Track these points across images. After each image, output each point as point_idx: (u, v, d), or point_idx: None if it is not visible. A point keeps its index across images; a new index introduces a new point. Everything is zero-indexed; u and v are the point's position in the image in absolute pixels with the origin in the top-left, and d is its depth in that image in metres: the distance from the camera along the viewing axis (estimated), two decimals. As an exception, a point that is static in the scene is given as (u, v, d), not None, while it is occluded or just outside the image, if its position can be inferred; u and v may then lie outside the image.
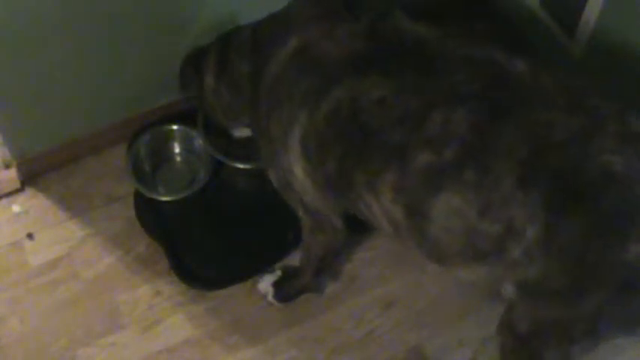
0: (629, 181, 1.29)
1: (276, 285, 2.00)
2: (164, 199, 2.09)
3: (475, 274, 1.49)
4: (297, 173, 1.63)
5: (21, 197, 2.17)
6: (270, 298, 2.00)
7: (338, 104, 1.48)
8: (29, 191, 2.17)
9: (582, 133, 1.32)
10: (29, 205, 2.16)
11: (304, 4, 1.63)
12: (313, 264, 1.93)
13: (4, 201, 2.16)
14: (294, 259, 2.04)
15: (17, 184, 2.16)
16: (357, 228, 1.85)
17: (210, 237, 2.10)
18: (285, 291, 2.00)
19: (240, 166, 2.08)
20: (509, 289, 1.44)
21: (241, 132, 1.99)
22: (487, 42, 1.49)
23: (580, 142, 1.32)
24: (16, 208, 2.15)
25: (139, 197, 2.11)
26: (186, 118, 2.17)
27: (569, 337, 1.43)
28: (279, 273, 2.02)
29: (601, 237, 1.30)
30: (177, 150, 2.21)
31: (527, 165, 1.33)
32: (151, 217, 2.09)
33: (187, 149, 2.19)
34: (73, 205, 2.15)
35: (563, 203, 1.31)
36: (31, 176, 2.18)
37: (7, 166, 2.14)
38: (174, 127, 2.18)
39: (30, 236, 2.11)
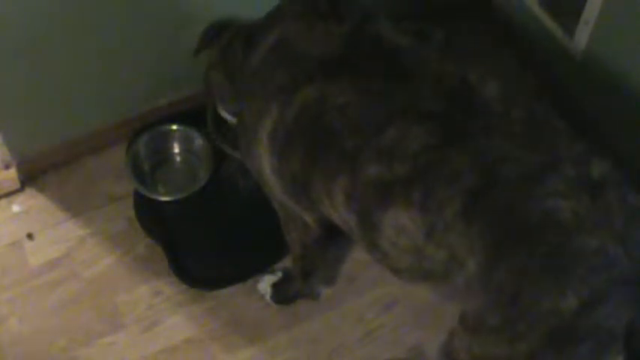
0: (572, 230, 1.24)
1: (275, 286, 2.00)
2: (164, 199, 2.09)
3: (426, 292, 1.48)
4: (265, 167, 1.63)
5: (21, 197, 2.16)
6: (267, 298, 2.00)
7: (306, 103, 1.48)
8: (29, 191, 2.17)
9: (533, 173, 1.28)
10: (29, 205, 2.15)
11: (292, 1, 1.63)
12: (297, 263, 1.92)
13: (4, 201, 2.15)
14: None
15: (17, 184, 2.16)
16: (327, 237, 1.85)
17: (210, 237, 2.10)
18: (282, 293, 2.00)
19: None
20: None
21: (232, 118, 1.98)
22: (469, 58, 1.46)
23: (529, 181, 1.28)
24: (15, 208, 2.15)
25: (138, 197, 2.11)
26: (186, 118, 2.17)
27: None
28: (279, 274, 2.02)
29: (535, 283, 1.26)
30: (177, 150, 2.21)
31: (472, 196, 1.30)
32: (151, 217, 2.09)
33: (187, 149, 2.19)
34: (73, 205, 2.15)
35: (503, 242, 1.28)
36: (31, 176, 2.18)
37: (7, 166, 2.14)
38: (174, 127, 2.18)
39: (30, 236, 2.11)
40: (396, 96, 1.41)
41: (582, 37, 2.04)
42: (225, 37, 1.82)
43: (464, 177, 1.31)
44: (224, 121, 2.01)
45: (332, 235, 1.81)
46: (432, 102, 1.38)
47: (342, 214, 1.50)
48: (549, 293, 1.25)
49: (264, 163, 1.62)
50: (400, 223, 1.37)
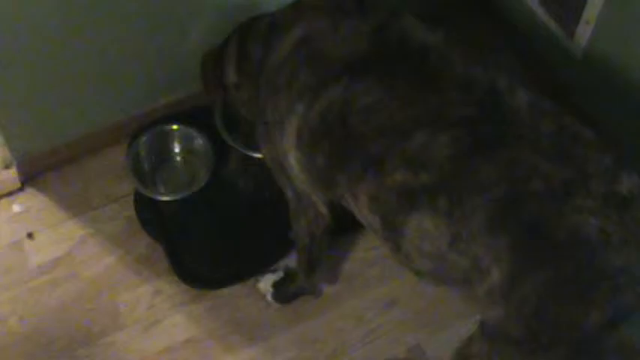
0: (600, 247, 1.24)
1: (276, 285, 2.00)
2: (164, 199, 2.09)
3: (444, 291, 1.48)
4: (291, 161, 1.62)
5: (21, 197, 2.16)
6: (268, 298, 2.00)
7: (331, 102, 1.47)
8: (29, 191, 2.17)
9: (562, 188, 1.27)
10: (29, 205, 2.15)
11: None
12: (303, 258, 1.91)
13: (4, 201, 2.15)
14: (294, 259, 2.04)
15: (17, 184, 2.16)
16: (357, 227, 1.85)
17: (210, 237, 2.10)
18: (285, 292, 2.00)
19: (254, 154, 2.04)
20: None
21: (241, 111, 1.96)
22: (496, 63, 1.44)
23: (558, 196, 1.27)
24: (16, 208, 2.15)
25: (138, 197, 2.11)
26: (186, 118, 2.17)
27: None
28: (280, 273, 2.02)
29: (561, 299, 1.26)
30: (177, 150, 2.21)
31: (499, 208, 1.29)
32: (151, 217, 2.09)
33: (187, 149, 2.19)
34: (73, 205, 2.15)
35: (529, 256, 1.28)
36: (31, 176, 2.18)
37: (7, 166, 2.14)
38: (174, 127, 2.18)
39: (30, 236, 2.11)
40: (424, 99, 1.39)
41: (582, 37, 2.04)
42: (232, 51, 1.79)
43: (492, 188, 1.30)
44: (232, 120, 2.00)
45: (338, 230, 1.82)
46: (462, 108, 1.36)
47: (365, 215, 1.49)
48: (574, 309, 1.25)
49: (291, 158, 1.61)
50: (424, 229, 1.37)
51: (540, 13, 2.18)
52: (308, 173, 1.60)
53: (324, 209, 1.72)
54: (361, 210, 1.49)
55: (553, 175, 1.28)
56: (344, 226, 1.85)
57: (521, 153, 1.31)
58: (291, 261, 2.05)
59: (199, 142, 2.14)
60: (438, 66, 1.42)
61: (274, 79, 1.60)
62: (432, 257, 1.39)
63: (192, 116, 2.16)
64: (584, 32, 2.03)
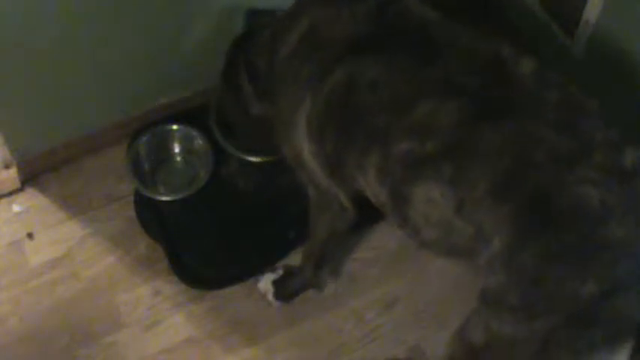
0: (600, 219, 1.25)
1: (277, 284, 2.00)
2: (164, 199, 2.09)
3: (455, 266, 1.49)
4: (306, 155, 1.63)
5: (21, 197, 2.16)
6: (269, 297, 2.00)
7: (335, 85, 1.48)
8: (29, 191, 2.17)
9: (566, 158, 1.28)
10: (29, 205, 2.15)
11: None
12: (316, 252, 1.91)
13: (4, 201, 2.15)
14: (295, 259, 2.04)
15: (17, 184, 2.16)
16: (357, 228, 1.85)
17: (210, 237, 2.10)
18: (286, 289, 2.00)
19: (252, 159, 2.06)
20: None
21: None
22: (496, 35, 1.44)
23: (561, 166, 1.28)
24: (16, 208, 2.15)
25: (139, 197, 2.11)
26: (186, 118, 2.17)
27: (519, 358, 1.38)
28: (280, 272, 2.02)
29: (559, 267, 1.27)
30: (177, 150, 2.21)
31: (504, 176, 1.30)
32: (151, 217, 2.09)
33: (187, 149, 2.19)
34: (73, 205, 2.15)
35: (530, 225, 1.29)
36: (31, 176, 2.17)
37: (7, 166, 2.14)
38: (174, 127, 2.17)
39: (30, 236, 2.11)
40: (427, 70, 1.40)
41: (582, 37, 2.04)
42: (244, 81, 1.78)
43: (496, 156, 1.31)
44: (229, 125, 2.01)
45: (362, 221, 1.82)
46: (465, 77, 1.37)
47: (374, 189, 1.50)
48: (572, 279, 1.26)
49: (305, 150, 1.62)
50: (431, 196, 1.38)
51: (540, 13, 2.18)
52: (320, 163, 1.61)
53: (347, 203, 1.72)
54: (370, 184, 1.50)
55: (557, 145, 1.29)
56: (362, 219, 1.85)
57: (525, 122, 1.32)
58: (290, 260, 2.05)
59: (199, 142, 2.14)
60: (439, 39, 1.43)
61: (284, 75, 1.62)
62: (439, 225, 1.41)
63: (192, 116, 2.16)
64: (584, 32, 2.03)
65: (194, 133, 2.15)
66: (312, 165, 1.64)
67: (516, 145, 1.31)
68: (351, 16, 1.51)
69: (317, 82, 1.51)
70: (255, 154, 2.06)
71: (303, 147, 1.62)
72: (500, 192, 1.31)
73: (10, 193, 2.16)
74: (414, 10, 1.49)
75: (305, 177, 1.73)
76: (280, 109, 1.66)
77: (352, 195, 1.70)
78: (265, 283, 2.01)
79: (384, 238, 2.09)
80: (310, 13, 1.58)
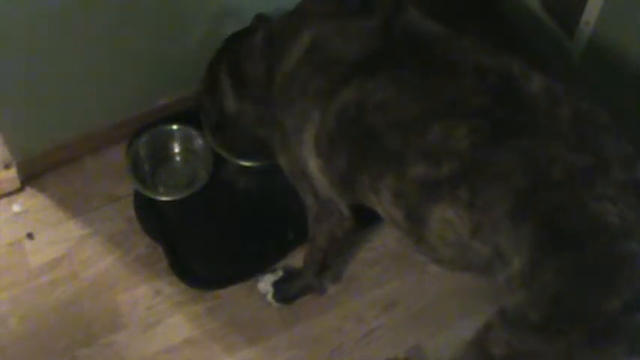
0: (620, 234, 1.25)
1: (277, 285, 2.00)
2: (164, 199, 2.09)
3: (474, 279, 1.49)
4: (311, 168, 1.63)
5: (21, 197, 2.16)
6: (269, 298, 2.00)
7: (346, 104, 1.47)
8: (29, 191, 2.17)
9: (583, 176, 1.28)
10: (29, 205, 2.15)
11: (317, 0, 1.62)
12: (317, 259, 1.91)
13: (4, 201, 2.15)
14: (295, 259, 2.04)
15: (17, 184, 2.16)
16: (356, 227, 1.85)
17: (210, 237, 2.10)
18: (286, 291, 2.00)
19: (246, 163, 2.07)
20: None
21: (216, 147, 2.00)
22: (503, 51, 1.43)
23: (579, 184, 1.28)
24: (16, 208, 2.14)
25: (139, 197, 2.11)
26: (186, 118, 2.17)
27: None
28: (280, 273, 2.02)
29: (581, 285, 1.27)
30: (177, 150, 2.21)
31: (521, 196, 1.30)
32: (151, 217, 2.09)
33: (187, 149, 2.19)
34: (73, 205, 2.15)
35: (550, 244, 1.29)
36: (31, 176, 2.17)
37: (7, 166, 2.14)
38: (175, 127, 2.18)
39: (30, 236, 2.11)
40: (438, 90, 1.39)
41: (582, 37, 2.04)
42: (225, 79, 1.79)
43: (513, 177, 1.30)
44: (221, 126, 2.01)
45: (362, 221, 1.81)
46: (477, 97, 1.36)
47: (388, 210, 1.49)
48: (593, 295, 1.26)
49: (311, 165, 1.62)
50: (447, 219, 1.38)
51: (540, 13, 2.18)
52: (329, 178, 1.61)
53: (347, 211, 1.73)
54: (384, 205, 1.49)
55: (573, 162, 1.29)
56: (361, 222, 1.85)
57: (540, 140, 1.31)
58: (290, 261, 2.05)
59: (199, 142, 2.14)
60: (448, 56, 1.42)
61: (288, 90, 1.60)
62: (455, 246, 1.40)
63: (192, 116, 2.15)
64: (584, 32, 2.03)
65: (194, 133, 2.15)
66: (319, 178, 1.64)
67: (532, 164, 1.30)
68: (358, 32, 1.49)
69: (326, 98, 1.50)
70: (246, 158, 2.06)
71: (309, 161, 1.61)
72: (518, 213, 1.30)
73: (10, 193, 2.16)
74: (419, 25, 1.48)
75: (304, 187, 1.73)
76: (281, 122, 1.65)
77: (352, 204, 1.70)
78: (265, 284, 2.01)
79: (384, 238, 2.09)
80: (314, 26, 1.56)
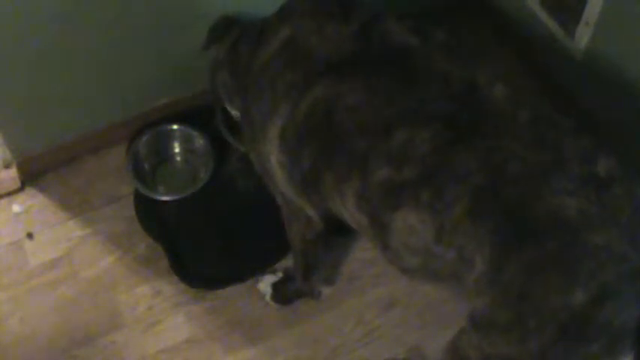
0: (579, 227, 1.25)
1: (275, 286, 2.00)
2: (164, 199, 2.09)
3: (437, 290, 1.48)
4: (273, 164, 1.63)
5: (21, 197, 2.16)
6: (267, 298, 2.00)
7: (316, 102, 1.48)
8: (29, 191, 2.17)
9: (540, 170, 1.29)
10: (29, 205, 2.15)
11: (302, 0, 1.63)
12: (298, 261, 1.91)
13: (4, 201, 2.15)
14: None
15: (17, 184, 2.16)
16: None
17: (210, 237, 2.10)
18: (282, 293, 2.00)
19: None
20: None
21: (238, 115, 1.97)
22: (475, 60, 1.46)
23: (536, 180, 1.28)
24: (16, 208, 2.15)
25: (139, 197, 2.11)
26: (186, 118, 2.17)
27: None
28: (280, 274, 2.03)
29: (545, 280, 1.26)
30: (177, 150, 2.21)
31: (480, 195, 1.30)
32: (151, 217, 2.09)
33: (187, 149, 2.19)
34: (73, 205, 2.15)
35: (510, 241, 1.28)
36: (31, 176, 2.18)
37: (7, 166, 2.14)
38: (175, 127, 2.18)
39: (30, 236, 2.11)
40: (406, 97, 1.41)
41: (582, 37, 2.04)
42: (234, 35, 1.81)
43: (471, 176, 1.31)
44: (232, 116, 2.01)
45: (334, 231, 1.80)
46: (441, 104, 1.38)
47: (353, 214, 1.50)
48: (558, 290, 1.25)
49: (273, 160, 1.62)
50: (410, 224, 1.38)
51: (540, 13, 2.18)
52: (290, 177, 1.61)
53: (313, 214, 1.72)
54: (349, 209, 1.50)
55: (530, 158, 1.30)
56: (343, 227, 1.85)
57: (498, 141, 1.32)
58: (290, 262, 2.05)
59: (199, 142, 2.15)
60: (418, 65, 1.45)
61: (258, 81, 1.61)
62: (420, 252, 1.41)
63: (192, 116, 2.16)
64: (584, 32, 2.03)
65: (194, 133, 2.15)
66: (278, 174, 1.64)
67: (489, 163, 1.31)
68: (335, 34, 1.51)
69: (295, 93, 1.51)
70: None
71: (271, 155, 1.61)
72: (476, 211, 1.30)
73: (10, 193, 2.16)
74: (396, 34, 1.50)
75: (271, 185, 1.73)
76: (249, 111, 1.66)
77: (322, 212, 1.69)
78: (265, 284, 2.01)
79: (384, 238, 2.09)
80: (293, 23, 1.58)
